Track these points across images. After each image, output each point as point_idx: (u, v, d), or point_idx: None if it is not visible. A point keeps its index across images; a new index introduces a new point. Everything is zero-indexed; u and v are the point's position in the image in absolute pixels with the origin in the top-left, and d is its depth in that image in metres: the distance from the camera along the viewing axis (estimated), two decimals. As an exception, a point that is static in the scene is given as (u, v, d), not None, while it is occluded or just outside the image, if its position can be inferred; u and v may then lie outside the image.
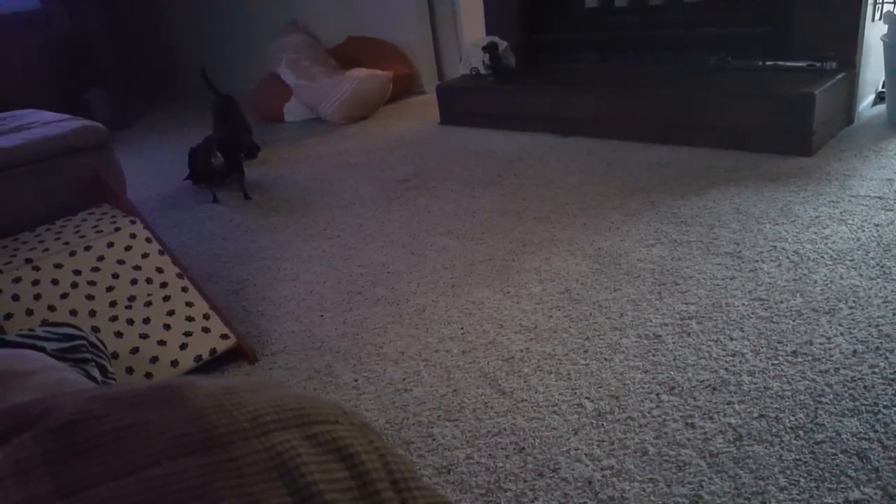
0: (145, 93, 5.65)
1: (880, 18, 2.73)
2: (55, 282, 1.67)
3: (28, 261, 1.68)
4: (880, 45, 2.75)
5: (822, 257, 1.78)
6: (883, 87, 2.93)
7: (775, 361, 1.39)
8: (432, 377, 1.52)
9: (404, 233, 2.34)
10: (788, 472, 1.12)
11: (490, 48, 3.57)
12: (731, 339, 1.49)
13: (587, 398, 1.37)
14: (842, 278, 1.67)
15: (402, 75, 4.41)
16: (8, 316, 1.58)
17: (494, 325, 1.69)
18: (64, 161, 2.01)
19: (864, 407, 1.24)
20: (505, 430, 1.31)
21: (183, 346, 1.66)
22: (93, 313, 1.64)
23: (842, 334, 1.45)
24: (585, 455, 1.22)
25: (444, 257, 2.11)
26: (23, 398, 0.53)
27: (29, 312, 1.60)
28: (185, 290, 1.78)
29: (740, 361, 1.41)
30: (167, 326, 1.69)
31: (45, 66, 4.69)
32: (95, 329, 1.60)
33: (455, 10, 4.45)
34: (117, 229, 1.83)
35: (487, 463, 1.24)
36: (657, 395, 1.35)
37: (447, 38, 4.56)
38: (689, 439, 1.22)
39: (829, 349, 1.41)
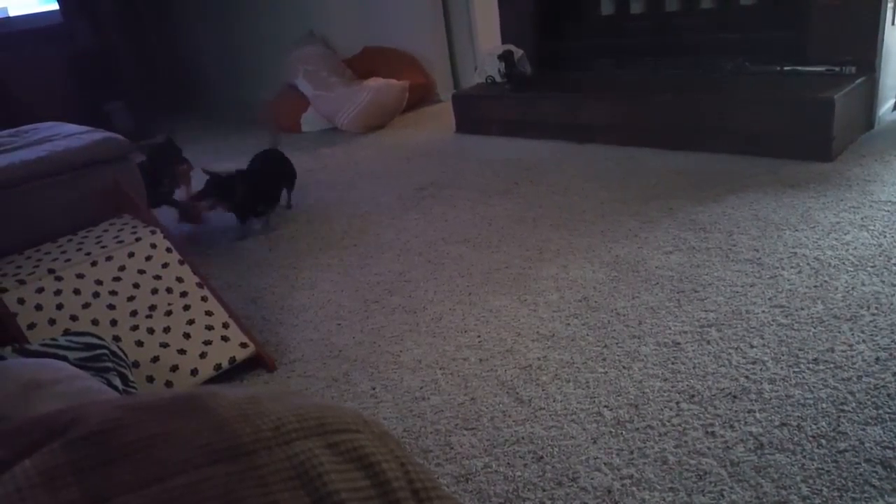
0: (166, 104, 5.73)
1: (900, 22, 2.70)
2: (77, 291, 1.69)
3: (51, 271, 1.71)
4: (900, 48, 2.72)
5: (843, 263, 1.76)
6: (903, 91, 2.90)
7: (796, 369, 1.38)
8: (450, 385, 1.52)
9: (421, 241, 2.34)
10: (811, 481, 1.10)
11: (506, 56, 3.58)
12: (752, 346, 1.48)
13: (606, 406, 1.36)
14: (863, 285, 1.65)
15: (418, 84, 4.43)
16: (31, 326, 1.60)
17: (512, 333, 1.69)
18: (85, 172, 2.04)
19: (887, 415, 1.22)
20: (523, 438, 1.31)
21: (203, 355, 1.68)
22: (114, 322, 1.66)
23: (864, 341, 1.43)
24: (605, 464, 1.21)
25: (461, 265, 2.11)
26: (48, 407, 0.54)
27: (51, 322, 1.62)
28: (204, 299, 1.80)
29: (761, 369, 1.40)
30: (187, 335, 1.70)
31: (67, 80, 4.77)
32: (116, 338, 1.62)
33: (470, 18, 4.46)
34: (138, 239, 1.85)
35: (506, 472, 1.23)
36: (677, 403, 1.34)
37: (463, 46, 4.58)
38: (709, 448, 1.21)
39: (852, 356, 1.39)
